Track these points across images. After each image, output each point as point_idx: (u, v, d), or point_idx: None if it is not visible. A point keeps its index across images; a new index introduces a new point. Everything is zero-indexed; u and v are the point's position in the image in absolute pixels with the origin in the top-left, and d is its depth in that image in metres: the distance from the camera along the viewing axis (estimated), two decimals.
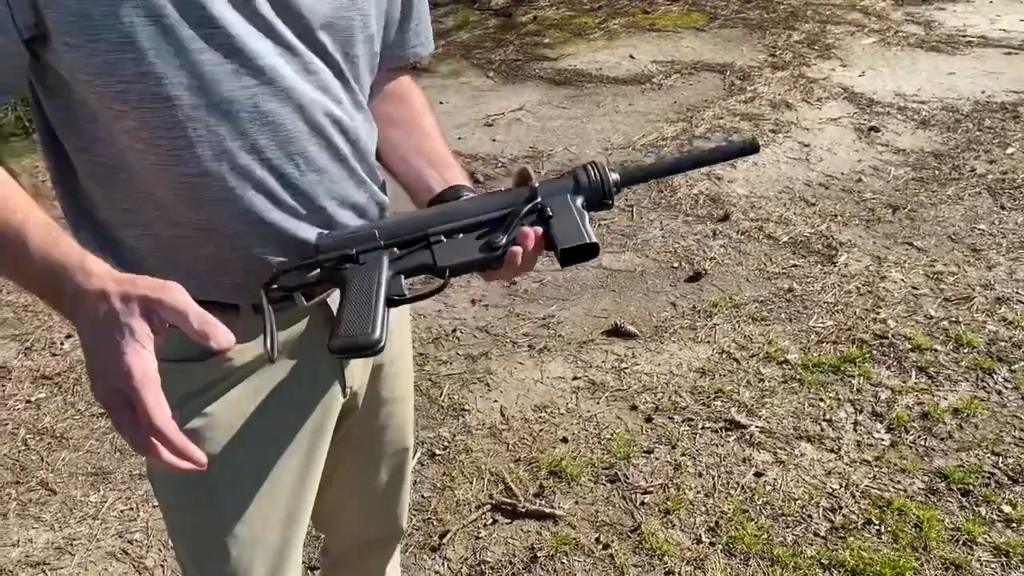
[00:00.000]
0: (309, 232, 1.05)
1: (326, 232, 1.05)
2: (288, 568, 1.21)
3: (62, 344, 3.05)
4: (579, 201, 1.04)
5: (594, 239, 1.00)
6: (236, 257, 1.03)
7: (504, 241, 1.00)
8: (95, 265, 0.83)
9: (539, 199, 1.02)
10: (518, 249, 1.00)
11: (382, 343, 0.95)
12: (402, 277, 1.02)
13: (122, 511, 2.34)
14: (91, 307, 0.81)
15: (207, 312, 0.82)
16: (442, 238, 1.02)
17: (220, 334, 0.81)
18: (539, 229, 1.01)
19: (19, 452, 2.56)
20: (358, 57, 1.07)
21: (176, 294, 0.81)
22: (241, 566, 1.15)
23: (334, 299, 1.08)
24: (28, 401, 2.77)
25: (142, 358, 0.79)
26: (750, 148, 1.10)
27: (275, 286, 1.00)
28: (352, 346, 0.95)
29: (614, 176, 1.06)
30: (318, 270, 1.01)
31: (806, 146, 4.41)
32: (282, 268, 1.02)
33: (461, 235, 1.02)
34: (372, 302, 0.97)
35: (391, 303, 1.00)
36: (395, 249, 1.02)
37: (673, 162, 1.13)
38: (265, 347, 0.94)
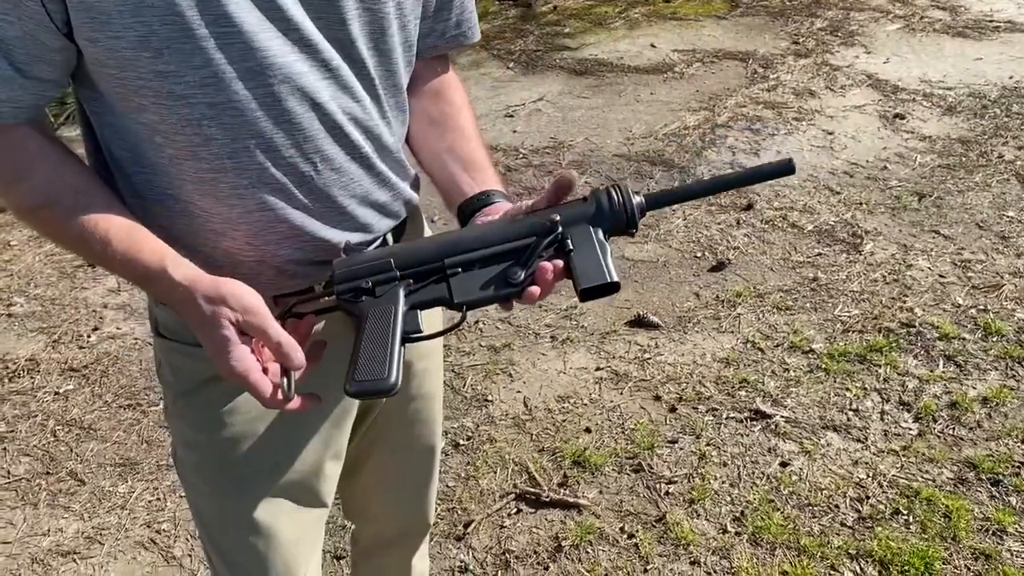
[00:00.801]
0: (326, 231, 1.04)
1: (342, 258, 1.03)
2: (306, 558, 1.21)
3: (89, 337, 3.08)
4: (600, 233, 0.98)
5: (615, 278, 0.95)
6: (253, 254, 1.03)
7: (523, 277, 0.96)
8: (176, 270, 0.94)
9: (560, 230, 0.97)
10: (536, 289, 0.97)
11: (397, 387, 0.95)
12: (418, 312, 1.00)
13: (150, 501, 2.36)
14: (183, 307, 0.94)
15: (285, 334, 0.94)
16: (459, 270, 0.98)
17: (295, 358, 0.94)
18: (559, 263, 0.97)
19: (48, 443, 2.59)
20: (391, 51, 1.05)
21: (257, 317, 0.93)
22: (259, 554, 1.16)
23: None
24: (56, 393, 2.81)
25: (238, 352, 0.92)
26: (786, 168, 1.03)
27: (291, 312, 1.01)
28: (368, 391, 0.95)
29: (638, 200, 1.00)
30: (333, 298, 1.00)
31: (830, 134, 4.37)
32: (297, 301, 1.01)
33: (478, 267, 0.98)
34: (388, 343, 0.95)
35: (406, 339, 0.98)
36: (411, 280, 0.99)
37: (701, 186, 1.05)
38: (281, 383, 0.95)
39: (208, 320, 0.92)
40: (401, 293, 0.99)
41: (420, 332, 1.00)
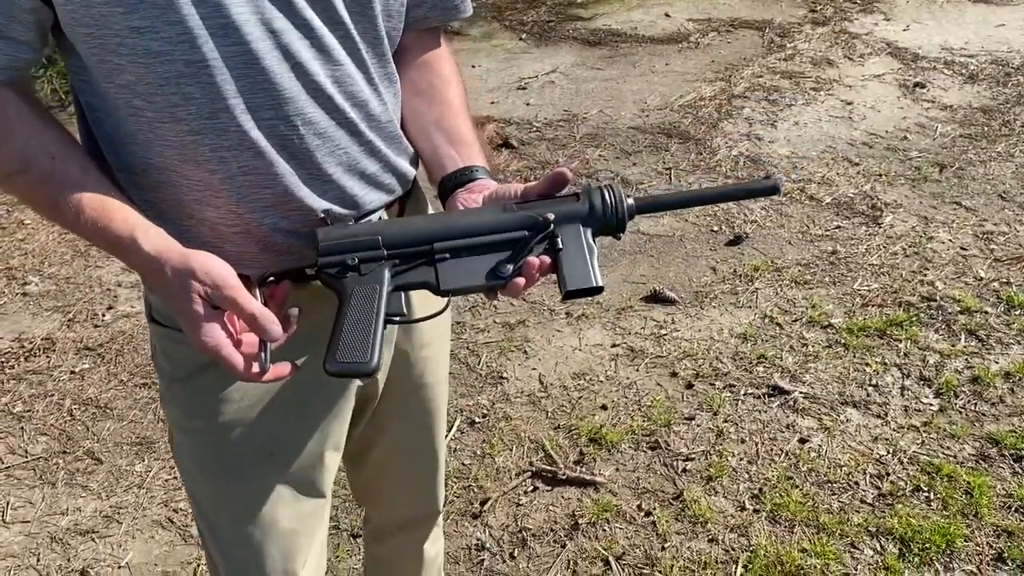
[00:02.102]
0: (312, 199, 1.01)
1: (328, 227, 1.00)
2: (304, 548, 1.19)
3: (104, 316, 3.08)
4: (589, 234, 0.99)
5: (600, 283, 0.96)
6: (238, 224, 1.01)
7: (511, 271, 0.96)
8: (145, 240, 0.93)
9: (551, 228, 0.98)
10: (521, 281, 0.97)
11: (378, 370, 0.95)
12: (402, 293, 0.99)
13: (166, 480, 2.37)
14: (152, 278, 0.93)
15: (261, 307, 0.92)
16: (447, 256, 0.98)
17: (271, 331, 0.93)
18: (547, 260, 0.97)
19: (65, 422, 2.60)
20: (375, 16, 1.02)
21: (228, 290, 0.92)
22: (255, 542, 1.15)
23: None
24: (72, 372, 2.81)
25: (208, 327, 0.91)
26: (772, 189, 1.04)
27: (271, 278, 1.00)
28: (348, 372, 0.95)
29: (629, 202, 1.01)
30: (316, 271, 0.99)
31: (849, 104, 4.30)
32: (279, 270, 1.01)
33: (467, 254, 0.98)
34: (371, 325, 0.95)
35: (388, 321, 0.97)
36: (397, 261, 0.98)
37: (692, 195, 1.09)
38: (259, 356, 0.94)
39: (177, 293, 0.91)
40: (387, 273, 0.98)
41: (403, 315, 1.00)
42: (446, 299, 1.01)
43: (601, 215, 1.00)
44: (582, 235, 0.99)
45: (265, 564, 1.16)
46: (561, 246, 0.98)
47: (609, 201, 1.00)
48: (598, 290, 0.97)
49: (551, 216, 0.98)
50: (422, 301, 1.10)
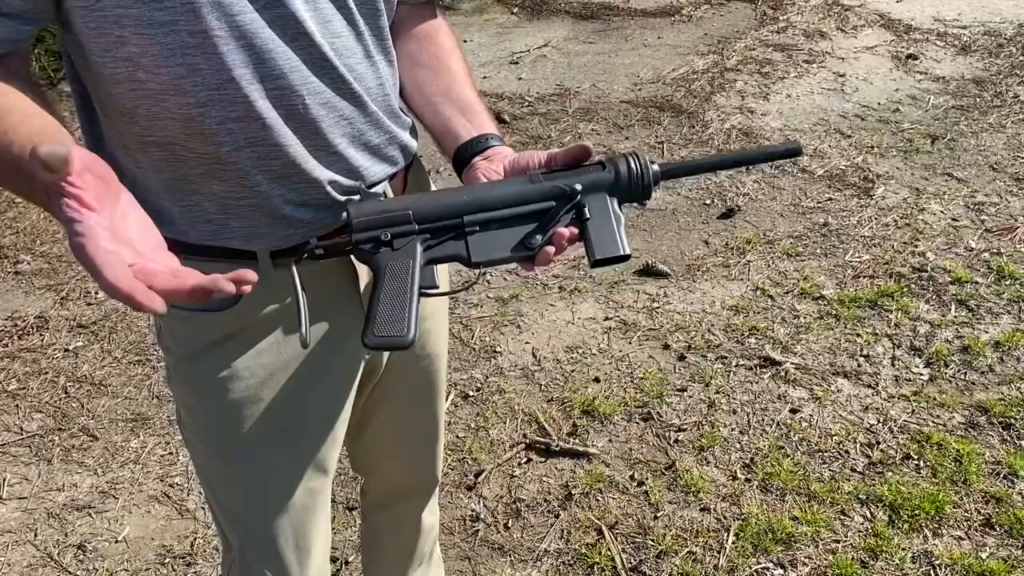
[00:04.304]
0: (319, 170, 1.01)
1: (357, 201, 1.01)
2: (316, 525, 1.21)
3: (97, 293, 3.08)
4: (615, 203, 1.01)
5: (628, 251, 0.98)
6: (246, 198, 1.00)
7: (540, 241, 0.98)
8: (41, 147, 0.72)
9: (579, 199, 0.99)
10: (551, 249, 0.98)
11: (416, 341, 0.97)
12: (434, 267, 1.01)
13: (162, 456, 2.38)
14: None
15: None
16: (477, 228, 0.99)
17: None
18: (575, 230, 0.99)
19: (60, 400, 2.61)
20: None
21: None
22: (268, 519, 1.16)
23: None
24: (66, 349, 2.81)
25: (89, 245, 0.74)
26: (793, 152, 1.07)
27: (305, 256, 1.01)
28: (386, 345, 0.97)
29: (655, 168, 1.02)
30: (350, 247, 1.01)
31: (841, 76, 4.29)
32: (315, 245, 1.02)
33: (496, 227, 0.99)
34: (406, 298, 0.97)
35: (423, 294, 0.99)
36: (428, 235, 1.00)
37: (716, 160, 1.10)
38: (300, 333, 0.95)
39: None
40: (419, 247, 0.99)
41: (436, 287, 1.01)
42: (477, 271, 1.02)
43: (627, 183, 1.01)
44: (609, 204, 1.00)
45: (278, 540, 1.17)
46: (588, 215, 0.99)
47: (635, 168, 1.01)
48: (626, 257, 0.99)
49: (578, 187, 0.99)
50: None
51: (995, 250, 2.96)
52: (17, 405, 2.59)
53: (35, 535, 2.17)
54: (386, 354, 1.23)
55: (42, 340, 2.87)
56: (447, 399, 2.49)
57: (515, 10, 5.50)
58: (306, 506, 1.18)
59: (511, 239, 0.99)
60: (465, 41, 5.01)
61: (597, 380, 2.55)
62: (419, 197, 1.04)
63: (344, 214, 1.00)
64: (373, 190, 1.09)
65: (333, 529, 2.10)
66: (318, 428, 1.17)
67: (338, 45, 1.00)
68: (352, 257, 1.05)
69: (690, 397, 2.46)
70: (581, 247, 1.00)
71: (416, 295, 0.97)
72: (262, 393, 1.10)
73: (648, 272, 3.00)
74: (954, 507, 2.06)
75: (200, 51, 0.91)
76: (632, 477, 2.23)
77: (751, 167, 3.55)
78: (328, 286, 1.09)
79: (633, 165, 1.01)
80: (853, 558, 1.96)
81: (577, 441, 2.34)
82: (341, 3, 0.99)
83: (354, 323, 1.10)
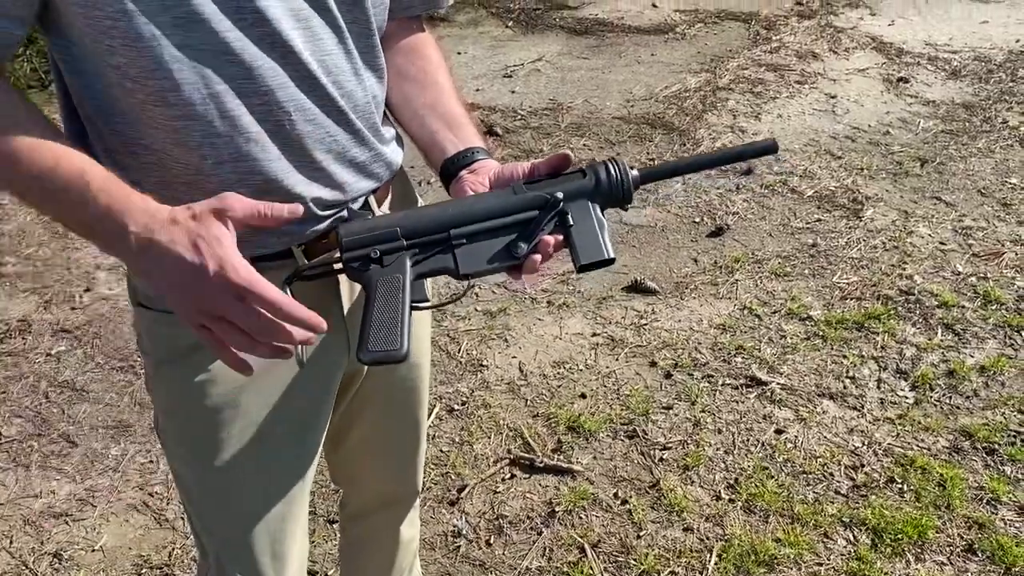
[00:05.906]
0: (302, 186, 1.01)
1: (346, 221, 1.03)
2: (292, 534, 1.20)
3: (81, 298, 3.05)
4: (598, 209, 1.03)
5: (612, 254, 1.01)
6: None
7: (526, 250, 1.00)
8: (149, 201, 0.88)
9: (561, 206, 1.01)
10: (537, 257, 1.00)
11: (409, 354, 0.99)
12: (423, 281, 1.02)
13: (142, 464, 2.36)
14: (163, 238, 0.86)
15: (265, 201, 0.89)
16: (464, 241, 1.01)
17: (286, 210, 0.90)
18: (559, 237, 1.01)
19: (40, 405, 2.58)
20: (368, 8, 1.03)
21: (235, 198, 0.88)
22: (244, 527, 1.14)
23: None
24: (48, 354, 2.79)
25: (234, 260, 0.85)
26: (771, 148, 1.09)
27: (297, 279, 1.02)
28: (381, 359, 0.98)
29: (634, 174, 1.05)
30: (341, 266, 1.02)
31: (832, 97, 4.31)
32: (307, 267, 1.03)
33: (482, 238, 1.01)
34: (398, 312, 0.98)
35: (414, 308, 1.01)
36: (416, 250, 1.02)
37: (692, 161, 1.11)
38: (295, 352, 0.94)
39: (191, 230, 0.87)
40: (408, 262, 1.01)
41: (427, 300, 1.03)
42: (466, 283, 1.04)
43: (607, 188, 1.03)
44: (591, 210, 1.02)
45: (255, 547, 1.16)
46: (572, 222, 1.01)
47: (614, 174, 1.03)
48: (610, 261, 1.01)
49: (559, 194, 1.01)
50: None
51: (982, 274, 2.97)
52: None
53: (10, 542, 2.14)
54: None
55: (24, 344, 2.84)
56: (431, 413, 2.48)
57: (510, 24, 5.51)
58: (283, 514, 1.17)
59: (497, 249, 1.01)
60: (459, 54, 5.02)
61: (583, 396, 2.54)
62: (406, 214, 1.05)
63: (334, 233, 1.01)
64: (356, 204, 1.09)
65: (313, 542, 2.08)
66: (296, 435, 1.16)
67: (328, 63, 1.00)
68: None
69: (676, 415, 2.45)
70: (569, 260, 1.02)
71: (407, 310, 0.99)
72: (240, 399, 1.09)
73: (636, 289, 3.00)
74: (937, 532, 2.06)
75: (187, 65, 0.91)
76: (616, 495, 2.21)
77: (744, 178, 3.56)
78: (310, 296, 1.08)
79: (612, 171, 1.03)
80: None
81: (562, 457, 2.33)
82: (331, 21, 1.00)
83: (335, 332, 1.09)
